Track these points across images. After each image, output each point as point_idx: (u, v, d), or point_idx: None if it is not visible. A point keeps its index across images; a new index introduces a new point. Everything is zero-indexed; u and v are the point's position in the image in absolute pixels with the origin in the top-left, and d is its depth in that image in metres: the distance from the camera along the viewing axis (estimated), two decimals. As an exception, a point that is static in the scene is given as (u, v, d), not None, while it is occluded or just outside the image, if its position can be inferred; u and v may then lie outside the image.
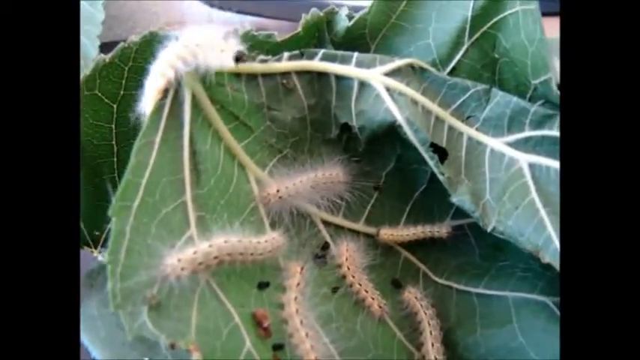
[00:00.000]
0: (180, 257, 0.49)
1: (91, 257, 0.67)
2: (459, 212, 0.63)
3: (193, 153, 0.55)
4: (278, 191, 0.59)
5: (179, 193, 0.53)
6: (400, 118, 0.59)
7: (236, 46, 0.57)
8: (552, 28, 0.59)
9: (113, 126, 0.63)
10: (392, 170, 0.66)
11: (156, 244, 0.49)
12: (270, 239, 0.55)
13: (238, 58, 0.57)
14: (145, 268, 0.47)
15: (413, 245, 0.65)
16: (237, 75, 0.58)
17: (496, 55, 0.65)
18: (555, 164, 0.57)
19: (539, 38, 0.60)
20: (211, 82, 0.56)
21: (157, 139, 0.52)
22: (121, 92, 0.62)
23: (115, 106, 0.62)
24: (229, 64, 0.56)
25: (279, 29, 0.64)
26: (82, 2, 0.79)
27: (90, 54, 0.77)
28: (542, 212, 0.55)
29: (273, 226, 0.59)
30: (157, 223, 0.50)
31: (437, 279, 0.65)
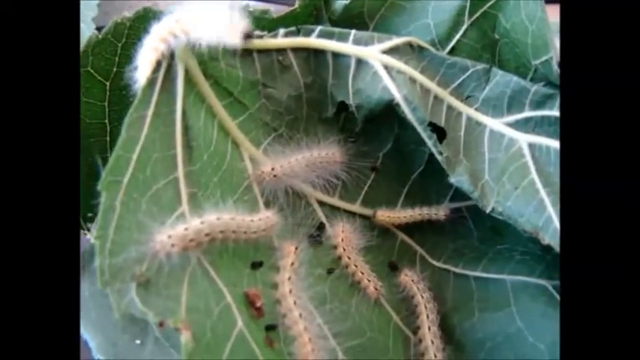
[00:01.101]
0: (170, 233, 0.48)
1: (84, 239, 0.66)
2: (457, 195, 0.62)
3: (186, 129, 0.54)
4: (273, 169, 0.58)
5: (171, 169, 0.52)
6: (398, 96, 0.58)
7: (244, 23, 0.55)
8: (552, 16, 0.59)
9: (106, 104, 0.62)
10: (389, 151, 0.65)
11: (146, 220, 0.48)
12: (264, 218, 0.54)
13: (248, 36, 0.55)
14: (134, 244, 0.46)
15: (410, 227, 0.64)
16: (231, 50, 0.57)
17: (496, 36, 0.64)
18: (556, 144, 0.56)
19: (539, 17, 0.59)
20: (205, 56, 0.55)
21: (149, 114, 0.51)
22: (114, 69, 0.61)
23: (107, 83, 0.61)
24: (236, 41, 0.54)
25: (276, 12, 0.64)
26: (78, -14, 0.78)
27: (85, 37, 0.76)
28: (543, 192, 0.54)
29: (267, 205, 0.59)
30: (147, 199, 0.49)
31: (434, 262, 0.64)
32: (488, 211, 0.56)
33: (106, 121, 0.63)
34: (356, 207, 0.65)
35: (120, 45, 0.60)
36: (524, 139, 0.58)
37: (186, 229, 0.48)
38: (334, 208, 0.64)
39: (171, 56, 0.53)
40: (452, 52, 0.65)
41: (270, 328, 0.52)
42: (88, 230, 0.67)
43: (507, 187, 0.56)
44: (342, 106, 0.62)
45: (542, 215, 0.53)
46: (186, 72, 0.54)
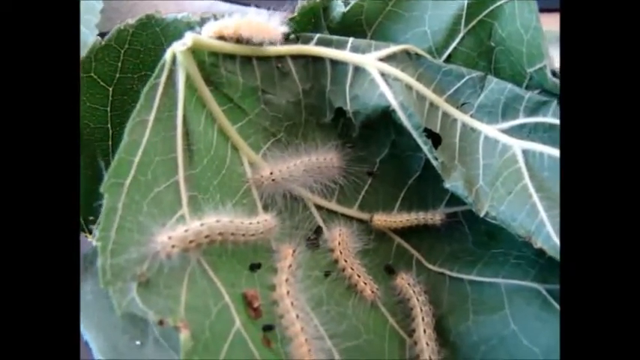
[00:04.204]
0: (171, 235, 0.49)
1: (86, 242, 0.67)
2: (453, 199, 0.62)
3: (186, 133, 0.55)
4: (271, 174, 0.59)
5: (172, 173, 0.53)
6: (394, 103, 0.59)
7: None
8: (552, 24, 0.60)
9: (108, 109, 0.63)
10: (386, 156, 0.66)
11: (147, 222, 0.49)
12: (263, 221, 0.55)
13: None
14: (135, 245, 0.47)
15: (406, 232, 0.65)
16: (231, 57, 0.58)
17: (492, 44, 0.64)
18: (549, 150, 0.57)
19: (534, 26, 0.60)
20: (206, 62, 0.56)
21: (151, 118, 0.52)
22: (117, 75, 0.62)
23: (110, 88, 0.62)
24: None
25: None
26: (82, -8, 0.79)
27: (88, 42, 0.77)
28: (535, 197, 0.55)
29: (265, 208, 0.59)
30: (148, 202, 0.50)
31: (430, 266, 0.65)
32: (482, 215, 0.57)
33: (109, 125, 0.64)
34: (353, 211, 0.66)
35: (122, 51, 0.61)
36: (518, 145, 0.59)
37: (186, 230, 0.49)
38: (332, 212, 0.65)
39: (173, 62, 0.54)
40: (448, 59, 0.65)
41: (268, 328, 0.53)
42: (90, 233, 0.68)
43: (501, 192, 0.57)
44: (340, 112, 0.63)
45: (535, 219, 0.54)
46: (188, 78, 0.55)
